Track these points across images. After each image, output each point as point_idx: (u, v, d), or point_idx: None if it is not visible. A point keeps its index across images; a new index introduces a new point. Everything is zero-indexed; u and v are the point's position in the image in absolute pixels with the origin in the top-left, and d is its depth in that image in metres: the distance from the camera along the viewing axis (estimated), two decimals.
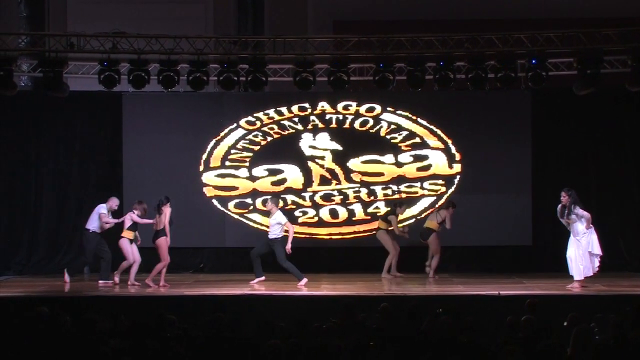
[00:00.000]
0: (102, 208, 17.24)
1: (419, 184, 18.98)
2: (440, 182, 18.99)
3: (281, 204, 18.59)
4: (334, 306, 12.13)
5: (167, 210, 16.41)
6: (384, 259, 18.18)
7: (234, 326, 10.09)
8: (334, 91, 17.44)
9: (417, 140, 19.00)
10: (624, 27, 16.37)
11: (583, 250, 15.83)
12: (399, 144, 19.00)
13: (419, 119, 19.03)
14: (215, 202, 18.95)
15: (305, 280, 16.53)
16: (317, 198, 18.89)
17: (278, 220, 16.86)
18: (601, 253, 15.97)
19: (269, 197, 17.67)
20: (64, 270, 17.46)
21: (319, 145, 19.06)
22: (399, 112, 19.04)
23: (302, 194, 18.97)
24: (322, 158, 19.05)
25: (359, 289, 16.26)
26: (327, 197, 18.94)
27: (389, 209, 18.27)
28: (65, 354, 9.03)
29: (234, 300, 14.80)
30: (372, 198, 19.02)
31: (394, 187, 18.98)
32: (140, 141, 19.00)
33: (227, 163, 19.07)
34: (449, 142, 18.95)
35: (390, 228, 17.95)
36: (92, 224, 17.22)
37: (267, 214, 17.55)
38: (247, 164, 19.06)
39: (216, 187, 18.99)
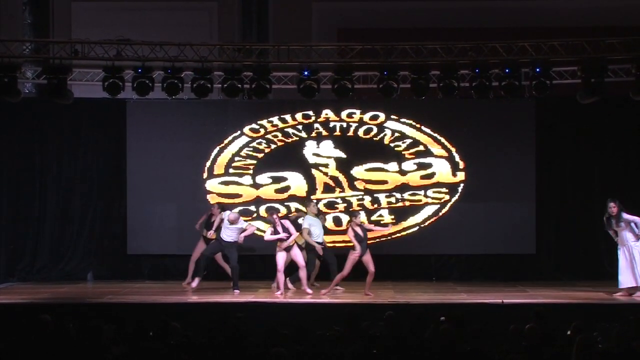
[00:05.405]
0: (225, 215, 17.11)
1: (422, 192, 18.97)
2: (444, 190, 18.98)
3: (284, 211, 18.58)
4: (338, 314, 12.12)
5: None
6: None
7: (238, 334, 10.08)
8: (338, 99, 17.43)
9: (421, 148, 19.00)
10: (628, 36, 16.37)
11: (635, 260, 15.68)
12: (403, 152, 19.00)
13: (422, 127, 19.03)
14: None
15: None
16: (320, 206, 18.87)
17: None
18: None
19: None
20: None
21: (322, 153, 19.07)
22: (402, 120, 19.05)
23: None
24: (326, 166, 19.05)
25: (362, 297, 16.25)
26: (331, 205, 18.94)
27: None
28: None
29: (238, 307, 14.79)
30: (375, 206, 19.02)
31: (398, 195, 18.98)
32: (144, 148, 19.01)
33: (231, 170, 19.08)
34: (453, 150, 18.95)
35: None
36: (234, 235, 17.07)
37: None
38: (250, 171, 19.07)
39: (220, 195, 18.98)
